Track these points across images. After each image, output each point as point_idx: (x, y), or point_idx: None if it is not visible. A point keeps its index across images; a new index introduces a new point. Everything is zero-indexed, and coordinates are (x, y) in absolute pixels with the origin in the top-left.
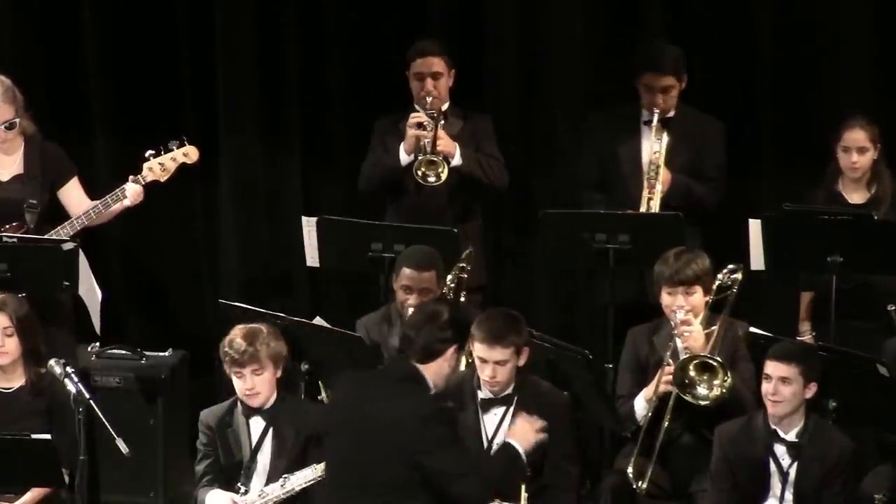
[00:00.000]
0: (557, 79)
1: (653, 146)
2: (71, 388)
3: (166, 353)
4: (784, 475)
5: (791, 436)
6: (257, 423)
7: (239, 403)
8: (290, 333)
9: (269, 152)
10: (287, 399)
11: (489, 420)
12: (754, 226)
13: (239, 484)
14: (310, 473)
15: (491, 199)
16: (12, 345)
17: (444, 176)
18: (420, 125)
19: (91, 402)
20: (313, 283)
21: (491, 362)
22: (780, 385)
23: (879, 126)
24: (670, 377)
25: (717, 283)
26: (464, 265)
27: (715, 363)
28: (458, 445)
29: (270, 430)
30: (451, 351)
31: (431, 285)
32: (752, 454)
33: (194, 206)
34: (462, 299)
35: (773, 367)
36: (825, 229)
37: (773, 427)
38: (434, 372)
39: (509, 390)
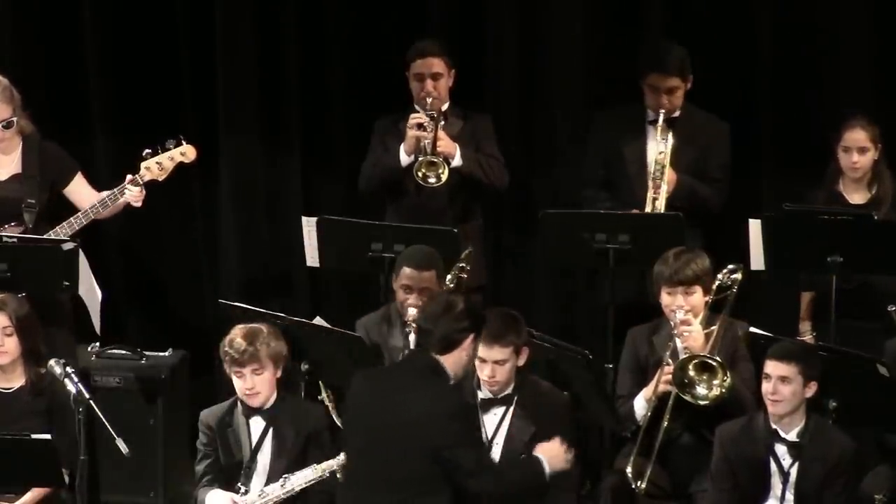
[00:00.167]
0: (557, 79)
1: (658, 146)
2: (71, 388)
3: (166, 353)
4: (785, 475)
5: (792, 435)
6: (257, 423)
7: (239, 403)
8: (290, 333)
9: (269, 152)
10: (287, 399)
11: (489, 420)
12: (754, 226)
13: (239, 484)
14: (310, 473)
15: (491, 199)
16: (12, 345)
17: (444, 177)
18: (420, 126)
19: (91, 402)
20: (313, 283)
21: (490, 362)
22: (780, 384)
23: (880, 126)
24: (670, 377)
25: (717, 283)
26: (463, 265)
27: (714, 363)
28: (479, 443)
29: (270, 430)
30: (469, 340)
31: (431, 285)
32: (752, 454)
33: (194, 206)
34: None
35: (772, 367)
36: (825, 229)
37: (774, 427)
38: (453, 362)
39: (509, 390)
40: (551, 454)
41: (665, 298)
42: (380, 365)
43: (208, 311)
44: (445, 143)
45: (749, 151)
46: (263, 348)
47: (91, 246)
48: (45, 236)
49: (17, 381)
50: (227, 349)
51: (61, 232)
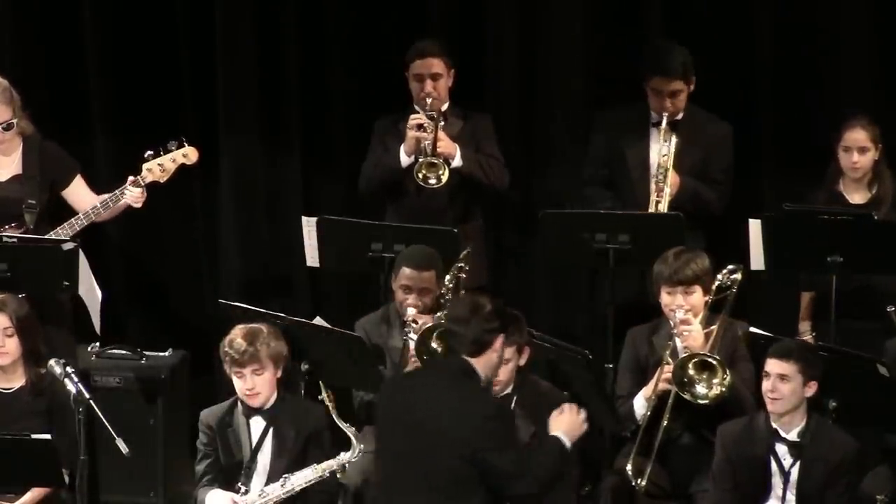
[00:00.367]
0: (557, 79)
1: (661, 149)
2: (71, 388)
3: (166, 353)
4: (785, 475)
5: (793, 435)
6: (257, 423)
7: (239, 403)
8: (290, 333)
9: (269, 152)
10: (287, 399)
11: None
12: (754, 226)
13: (239, 484)
14: (310, 473)
15: (491, 199)
16: (12, 345)
17: (444, 178)
18: (420, 126)
19: (91, 402)
20: (313, 283)
21: None
22: (779, 382)
23: (880, 126)
24: (670, 375)
25: (717, 283)
26: (462, 265)
27: (714, 362)
28: (516, 445)
29: (270, 430)
30: (499, 341)
31: (431, 285)
32: (753, 454)
33: (194, 206)
34: None
35: (771, 365)
36: (825, 229)
37: (775, 427)
38: (484, 363)
39: (509, 390)
40: (566, 425)
41: (665, 298)
42: (380, 365)
43: (208, 311)
44: (445, 144)
45: (749, 151)
46: (264, 348)
47: (91, 246)
48: (45, 236)
49: (17, 381)
50: (227, 349)
51: (62, 233)
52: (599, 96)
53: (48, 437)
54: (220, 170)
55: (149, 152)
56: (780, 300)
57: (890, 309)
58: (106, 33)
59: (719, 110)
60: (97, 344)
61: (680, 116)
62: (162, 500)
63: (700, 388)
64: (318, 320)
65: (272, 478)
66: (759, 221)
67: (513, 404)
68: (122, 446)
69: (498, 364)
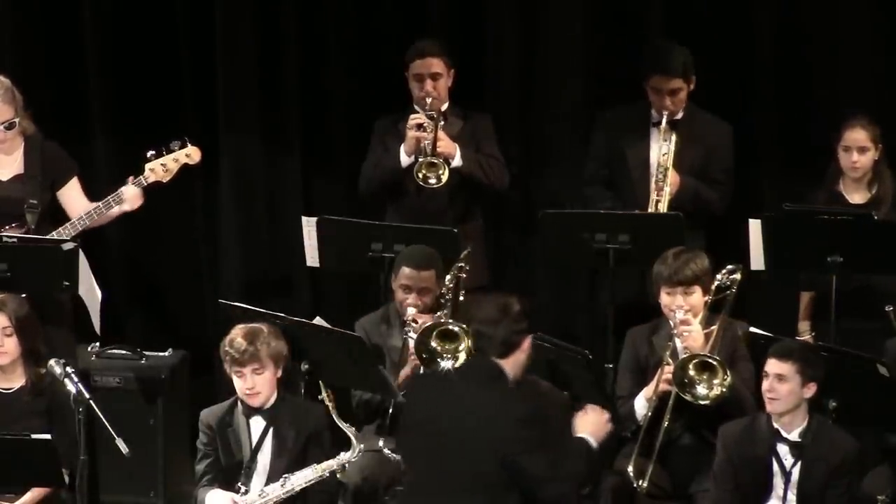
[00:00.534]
0: (557, 79)
1: (661, 148)
2: (71, 388)
3: (166, 353)
4: (787, 475)
5: (794, 435)
6: (257, 423)
7: (239, 403)
8: (290, 333)
9: (269, 152)
10: (287, 399)
11: None
12: (754, 226)
13: (239, 484)
14: (310, 473)
15: (491, 199)
16: (12, 345)
17: (444, 178)
18: (420, 126)
19: (91, 402)
20: (313, 283)
21: None
22: (776, 382)
23: (880, 126)
24: (670, 376)
25: (716, 283)
26: (462, 265)
27: (714, 362)
28: (549, 448)
29: (271, 430)
30: (527, 342)
31: (431, 285)
32: (754, 454)
33: (195, 207)
34: (461, 299)
35: (770, 365)
36: (825, 229)
37: (776, 427)
38: (512, 365)
39: None
40: (591, 426)
41: (664, 298)
42: (380, 365)
43: (208, 311)
44: (445, 144)
45: (749, 151)
46: (264, 348)
47: (91, 246)
48: (45, 236)
49: (17, 381)
50: (227, 349)
51: (64, 233)
52: (599, 96)
53: (48, 437)
54: (220, 170)
55: (151, 152)
56: (780, 300)
57: (888, 308)
58: (106, 33)
59: (719, 110)
60: (97, 344)
61: (680, 116)
62: (162, 500)
63: (700, 389)
64: (318, 320)
65: (272, 478)
66: (759, 221)
67: None
68: (122, 446)
69: (526, 365)
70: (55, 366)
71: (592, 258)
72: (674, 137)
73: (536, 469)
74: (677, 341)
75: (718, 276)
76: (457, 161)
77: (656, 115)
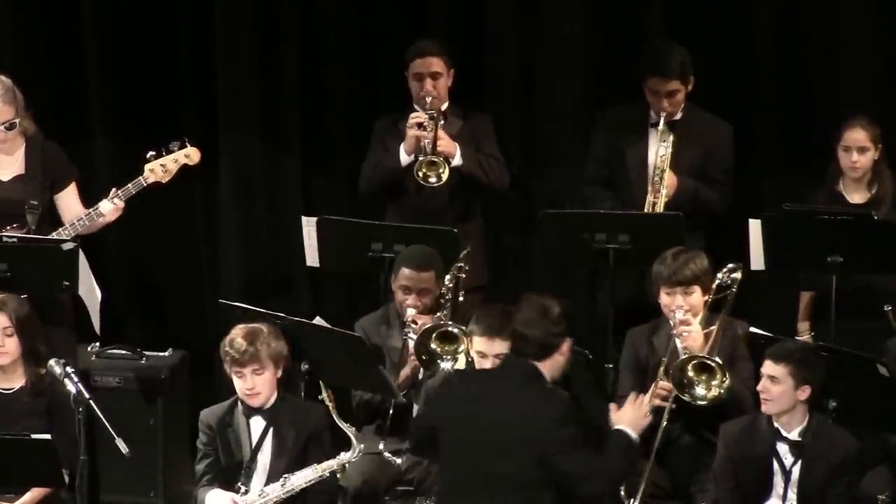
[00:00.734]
0: (557, 79)
1: (659, 149)
2: (71, 388)
3: (166, 353)
4: (787, 474)
5: (794, 434)
6: (257, 423)
7: (239, 403)
8: (290, 333)
9: (269, 152)
10: (287, 399)
11: None
12: (754, 226)
13: (239, 484)
14: (310, 473)
15: (491, 199)
16: (12, 345)
17: (444, 177)
18: (420, 125)
19: (91, 402)
20: (313, 283)
21: (491, 356)
22: (769, 383)
23: (880, 126)
24: (664, 392)
25: (716, 282)
26: (462, 265)
27: (713, 364)
28: (587, 445)
29: (270, 430)
30: (566, 344)
31: (430, 285)
32: (755, 453)
33: (195, 206)
34: (461, 299)
35: (765, 366)
36: (825, 229)
37: (776, 426)
38: (550, 367)
39: None
40: (629, 419)
41: (664, 298)
42: (380, 365)
43: (208, 311)
44: (445, 143)
45: (749, 151)
46: (264, 348)
47: (91, 246)
48: (45, 237)
49: (17, 381)
50: (227, 349)
51: (64, 234)
52: (599, 96)
53: (48, 437)
54: (220, 170)
55: (151, 153)
56: (780, 300)
57: (888, 308)
58: (106, 33)
59: (719, 110)
60: (97, 344)
61: (679, 116)
62: (162, 500)
63: (699, 390)
64: (318, 320)
65: (272, 478)
66: (759, 221)
67: None
68: (122, 446)
69: (564, 367)
70: (55, 366)
71: (592, 258)
72: (671, 138)
73: (574, 468)
74: (677, 341)
75: (718, 276)
76: (457, 160)
77: (654, 116)
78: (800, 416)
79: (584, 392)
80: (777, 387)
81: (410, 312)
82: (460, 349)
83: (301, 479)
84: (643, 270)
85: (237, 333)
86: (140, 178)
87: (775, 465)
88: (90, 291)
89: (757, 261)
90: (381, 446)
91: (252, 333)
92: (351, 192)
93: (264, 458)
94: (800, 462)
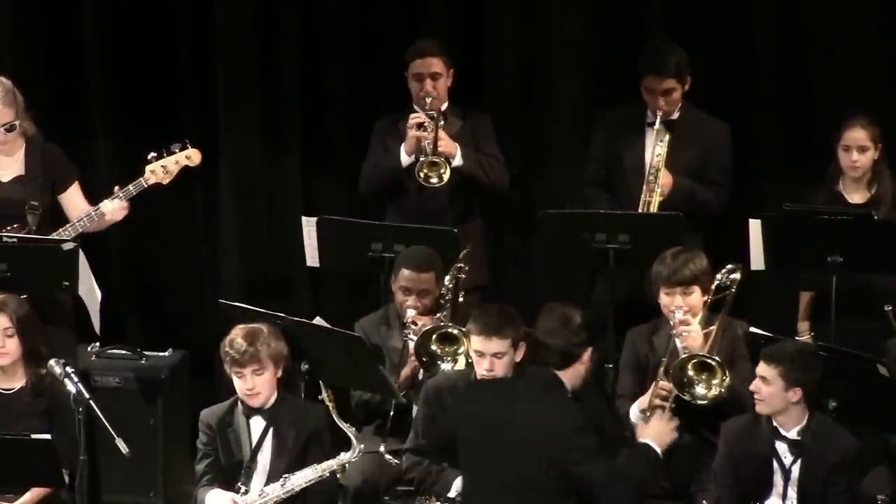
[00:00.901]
0: (557, 79)
1: (654, 149)
2: (71, 388)
3: (166, 353)
4: (786, 473)
5: (793, 434)
6: (257, 423)
7: (239, 403)
8: (290, 333)
9: (269, 152)
10: (287, 399)
11: None
12: (754, 226)
13: (239, 484)
14: (310, 473)
15: (491, 199)
16: (13, 345)
17: (446, 177)
18: (420, 126)
19: (91, 402)
20: (313, 283)
21: (488, 355)
22: (760, 383)
23: (880, 126)
24: (664, 391)
25: (716, 282)
26: (461, 265)
27: (713, 363)
28: (607, 455)
29: (271, 430)
30: (587, 354)
31: (430, 286)
32: (756, 451)
33: (194, 207)
34: (461, 300)
35: (758, 366)
36: (825, 229)
37: (775, 425)
38: (571, 376)
39: None
40: (654, 433)
41: (663, 299)
42: (381, 366)
43: (208, 311)
44: (446, 143)
45: (749, 151)
46: (264, 348)
47: (91, 246)
48: (45, 237)
49: (17, 381)
50: (227, 349)
51: (64, 234)
52: (599, 96)
53: (48, 437)
54: (220, 170)
55: (152, 154)
56: (780, 300)
57: (888, 308)
58: (106, 33)
59: (719, 110)
60: (97, 344)
61: (676, 116)
62: (162, 500)
63: (699, 389)
64: (318, 320)
65: (272, 478)
66: (759, 221)
67: None
68: (122, 446)
69: (586, 376)
70: (55, 366)
71: (592, 258)
72: (667, 138)
73: (595, 476)
74: (677, 341)
75: (718, 276)
76: (457, 160)
77: (651, 116)
78: (796, 417)
79: (584, 392)
80: (768, 388)
81: (410, 313)
82: (460, 350)
83: (301, 479)
84: (643, 270)
85: (237, 334)
86: (141, 178)
87: (775, 463)
88: (90, 291)
89: (757, 261)
90: (381, 448)
91: (252, 334)
92: (351, 192)
93: (264, 458)
94: (799, 461)
